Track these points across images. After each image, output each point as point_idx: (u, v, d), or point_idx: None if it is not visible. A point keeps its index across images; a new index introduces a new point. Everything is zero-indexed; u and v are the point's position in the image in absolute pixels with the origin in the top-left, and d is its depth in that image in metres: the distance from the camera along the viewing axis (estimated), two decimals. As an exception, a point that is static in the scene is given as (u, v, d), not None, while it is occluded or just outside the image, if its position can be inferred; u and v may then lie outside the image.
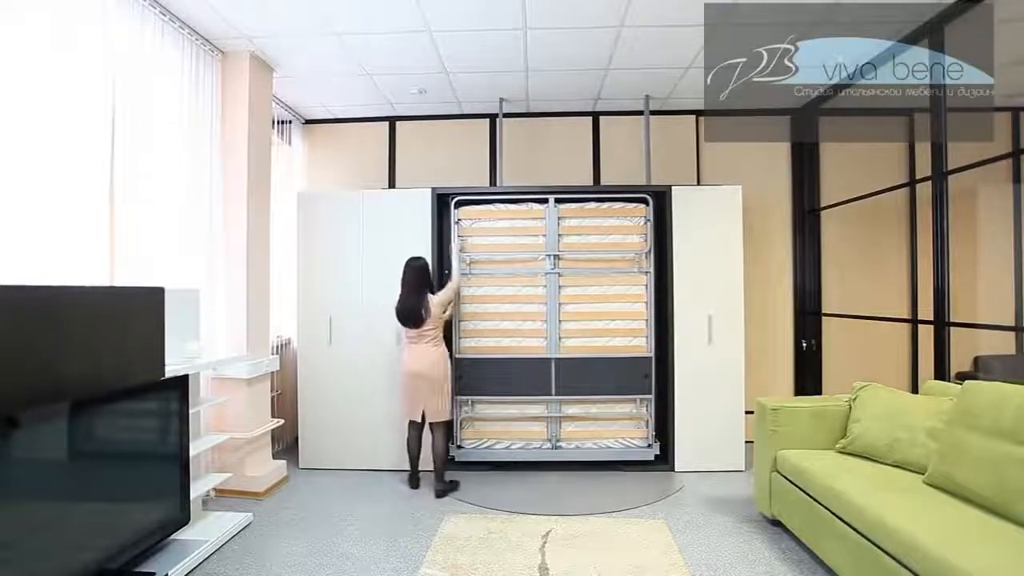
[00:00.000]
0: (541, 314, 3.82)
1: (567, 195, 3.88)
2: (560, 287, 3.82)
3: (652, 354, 3.80)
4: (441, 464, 3.39)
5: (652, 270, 3.81)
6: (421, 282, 3.39)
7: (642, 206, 3.85)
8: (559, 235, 3.83)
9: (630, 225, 3.85)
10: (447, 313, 3.50)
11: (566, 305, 3.82)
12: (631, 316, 3.82)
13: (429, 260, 3.82)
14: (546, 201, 3.83)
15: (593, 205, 3.87)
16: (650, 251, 3.81)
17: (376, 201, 3.92)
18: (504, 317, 3.84)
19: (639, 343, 3.81)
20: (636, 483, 3.57)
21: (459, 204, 3.88)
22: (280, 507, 3.23)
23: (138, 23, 2.81)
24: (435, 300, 3.37)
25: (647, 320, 3.81)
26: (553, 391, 3.77)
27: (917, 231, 4.26)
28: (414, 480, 3.52)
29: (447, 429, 3.47)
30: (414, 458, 3.52)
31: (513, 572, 2.43)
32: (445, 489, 3.37)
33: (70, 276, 2.36)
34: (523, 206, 3.88)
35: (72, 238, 2.42)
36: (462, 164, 4.70)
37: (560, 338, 3.80)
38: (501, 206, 3.89)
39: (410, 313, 3.33)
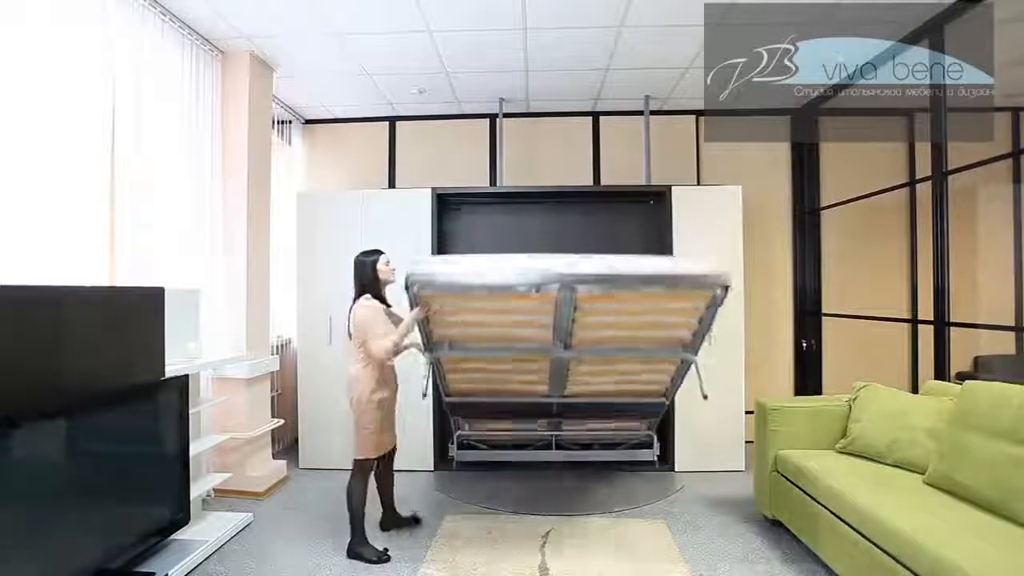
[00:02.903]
0: (544, 375, 2.87)
1: (567, 195, 3.86)
2: (569, 369, 2.78)
3: (668, 399, 3.08)
4: (351, 517, 2.60)
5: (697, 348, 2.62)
6: (355, 283, 2.66)
7: (703, 292, 2.28)
8: (573, 320, 2.40)
9: (677, 310, 2.44)
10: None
11: (576, 377, 2.88)
12: (656, 374, 2.91)
13: (429, 260, 3.81)
14: (546, 201, 3.66)
15: (628, 292, 2.28)
16: (702, 334, 2.52)
17: (376, 201, 3.92)
18: (496, 367, 2.85)
19: (656, 387, 3.01)
20: (636, 483, 3.57)
21: (423, 286, 2.25)
22: (280, 507, 3.23)
23: (138, 23, 2.81)
24: (356, 316, 2.57)
25: (672, 377, 2.92)
26: (554, 413, 3.30)
27: (917, 231, 4.26)
28: (389, 524, 2.81)
29: (358, 472, 2.61)
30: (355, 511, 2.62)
31: (513, 572, 2.43)
32: (355, 551, 2.57)
33: (70, 276, 2.36)
34: (520, 287, 2.19)
35: (72, 238, 2.42)
36: (462, 164, 4.69)
37: (565, 388, 2.97)
38: (489, 286, 2.25)
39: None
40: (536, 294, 2.24)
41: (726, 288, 2.22)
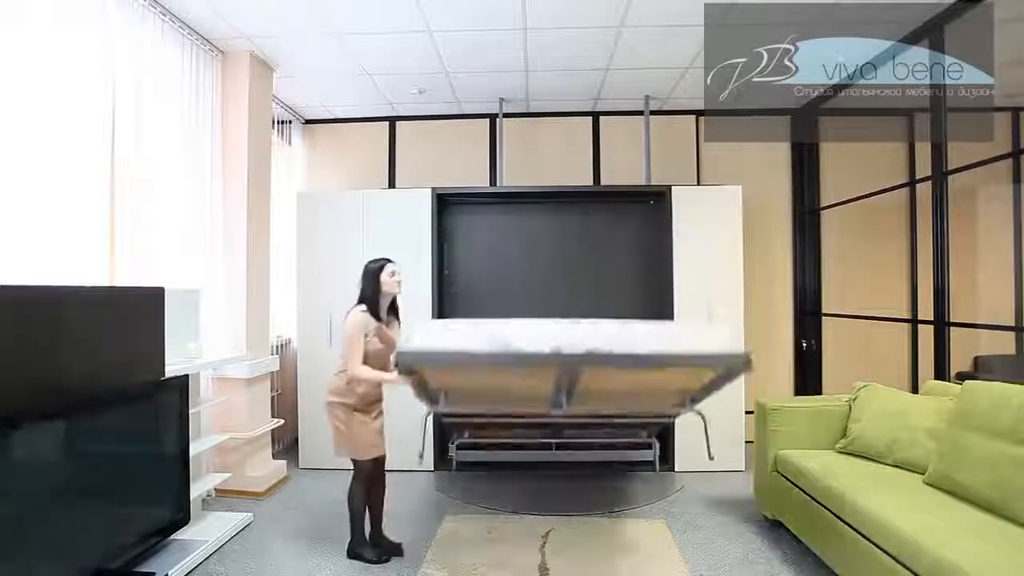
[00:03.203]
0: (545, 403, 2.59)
1: (567, 195, 3.85)
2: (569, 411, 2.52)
3: (673, 418, 3.11)
4: (352, 518, 2.58)
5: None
6: (360, 289, 2.54)
7: (710, 369, 2.16)
8: (575, 382, 2.21)
9: (690, 374, 2.30)
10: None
11: (578, 401, 2.56)
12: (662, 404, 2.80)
13: (428, 261, 3.82)
14: (546, 201, 3.61)
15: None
16: (710, 392, 2.33)
17: (376, 201, 3.93)
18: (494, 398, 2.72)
19: (662, 411, 2.85)
20: (636, 483, 3.57)
21: (415, 362, 1.97)
22: (280, 507, 3.23)
23: (138, 23, 2.81)
24: (347, 321, 2.47)
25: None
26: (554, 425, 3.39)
27: (917, 231, 4.26)
28: (373, 543, 2.64)
29: (358, 474, 2.57)
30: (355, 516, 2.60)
31: (513, 572, 2.43)
32: (355, 552, 2.58)
33: (70, 276, 2.36)
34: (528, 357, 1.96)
35: (72, 238, 2.42)
36: (462, 164, 4.69)
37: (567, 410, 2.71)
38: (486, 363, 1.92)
39: None
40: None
41: (748, 364, 1.95)
